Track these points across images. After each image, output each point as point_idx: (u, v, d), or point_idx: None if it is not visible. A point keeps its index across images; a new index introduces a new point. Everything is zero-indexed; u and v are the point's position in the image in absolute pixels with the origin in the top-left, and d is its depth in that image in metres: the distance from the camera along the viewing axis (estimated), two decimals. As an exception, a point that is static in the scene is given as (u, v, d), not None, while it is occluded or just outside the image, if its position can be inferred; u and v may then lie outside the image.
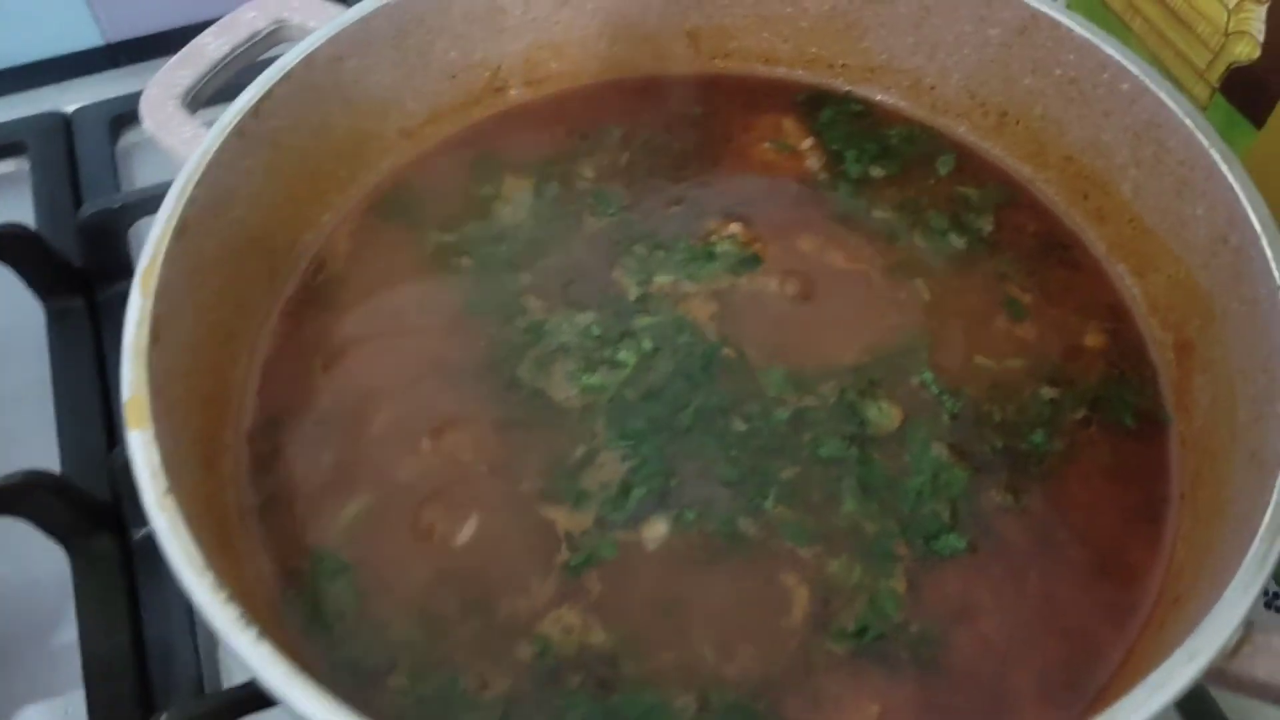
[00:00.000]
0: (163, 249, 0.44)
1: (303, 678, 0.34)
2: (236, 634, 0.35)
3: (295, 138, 0.53)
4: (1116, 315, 0.55)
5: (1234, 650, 0.36)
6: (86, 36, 0.87)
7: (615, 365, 0.52)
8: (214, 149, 0.48)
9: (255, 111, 0.50)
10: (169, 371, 0.43)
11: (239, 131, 0.49)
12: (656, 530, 0.47)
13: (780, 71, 0.64)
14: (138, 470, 0.38)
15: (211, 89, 0.54)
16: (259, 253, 0.53)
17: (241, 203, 0.50)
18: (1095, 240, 0.57)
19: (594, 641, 0.45)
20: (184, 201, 0.46)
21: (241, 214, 0.51)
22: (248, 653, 0.35)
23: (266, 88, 0.51)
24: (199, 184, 0.47)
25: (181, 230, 0.45)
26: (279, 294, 0.54)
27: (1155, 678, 0.34)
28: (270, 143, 0.52)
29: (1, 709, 0.58)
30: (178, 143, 0.50)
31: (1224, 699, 0.54)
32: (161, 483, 0.38)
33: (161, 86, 0.52)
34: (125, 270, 0.73)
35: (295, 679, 0.34)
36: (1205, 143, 0.49)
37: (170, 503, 0.37)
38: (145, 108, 0.51)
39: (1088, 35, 0.53)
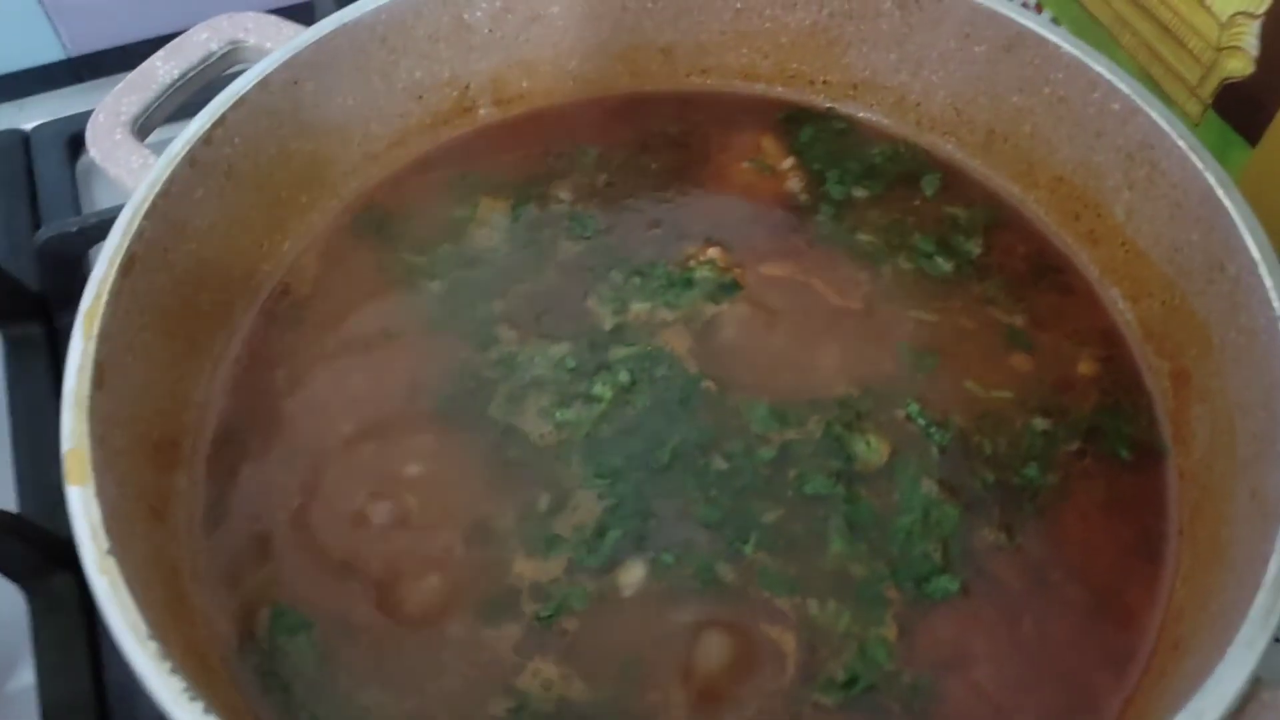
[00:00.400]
0: (107, 288, 0.42)
1: (251, 758, 0.32)
2: (181, 707, 0.33)
3: (251, 165, 0.51)
4: (1110, 341, 0.53)
5: (1240, 709, 0.34)
6: (47, 51, 0.85)
7: (591, 400, 0.50)
8: (163, 180, 0.46)
9: (207, 139, 0.48)
10: (114, 418, 0.41)
11: (190, 160, 0.47)
12: (633, 575, 0.45)
13: (760, 88, 0.62)
14: (77, 530, 0.36)
15: (163, 114, 0.52)
16: (214, 286, 0.50)
17: (194, 235, 0.48)
18: (1088, 263, 0.55)
19: (573, 695, 0.43)
20: (130, 236, 0.44)
21: (194, 246, 0.48)
22: (193, 731, 0.32)
23: (219, 114, 0.48)
24: (147, 216, 0.45)
25: (128, 266, 0.43)
26: (235, 329, 0.52)
27: (1161, 746, 0.33)
28: (224, 171, 0.49)
29: (-46, 758, 0.56)
30: (125, 172, 0.48)
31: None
32: (103, 543, 0.36)
33: (109, 113, 0.49)
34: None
35: (243, 759, 0.32)
36: (1200, 165, 0.47)
37: (111, 564, 0.35)
38: (91, 135, 0.49)
39: (1077, 53, 0.51)
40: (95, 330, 0.41)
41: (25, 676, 0.57)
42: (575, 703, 0.42)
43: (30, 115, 0.82)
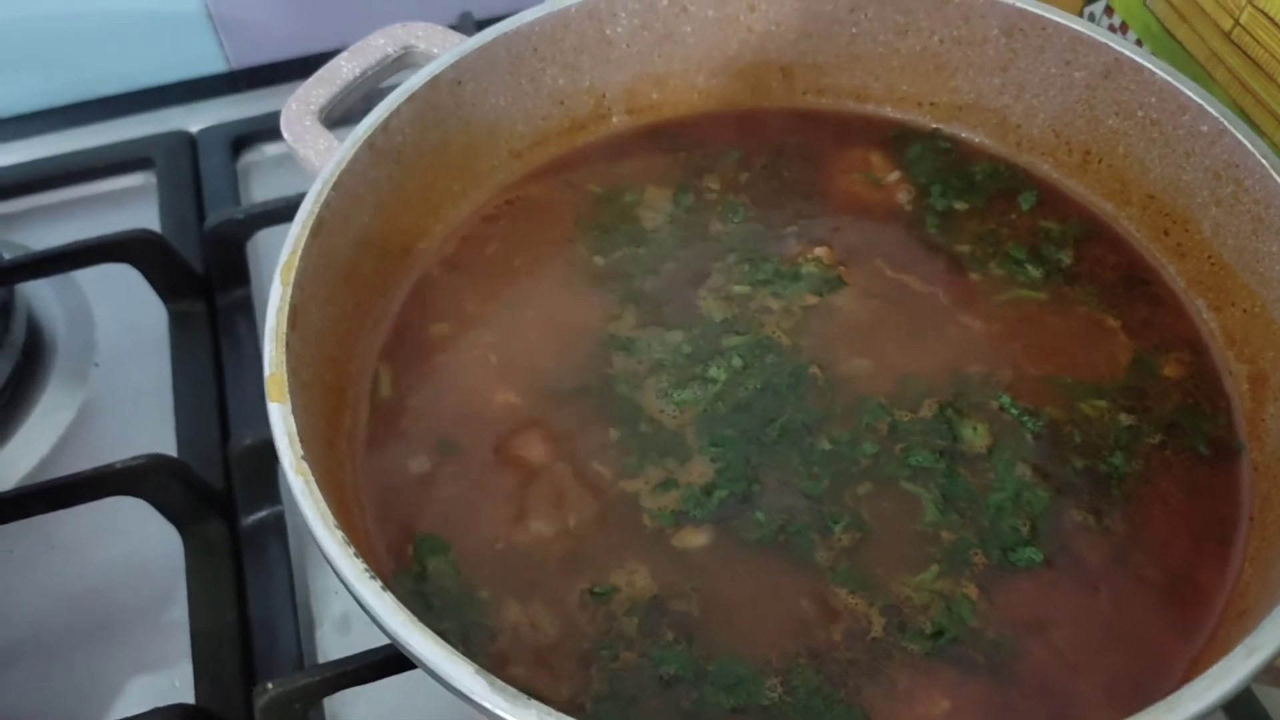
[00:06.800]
0: (301, 244, 0.48)
1: (421, 626, 0.37)
2: (363, 584, 0.38)
3: (417, 153, 0.58)
4: (1194, 348, 0.56)
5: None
6: (212, 63, 0.94)
7: (707, 381, 0.55)
8: (348, 158, 0.52)
9: (384, 127, 0.55)
10: (301, 356, 0.47)
11: (369, 144, 0.54)
12: (703, 538, 0.50)
13: (870, 108, 0.67)
14: (277, 438, 0.42)
15: (343, 107, 0.58)
16: (378, 256, 0.57)
17: (367, 209, 0.55)
18: (1175, 275, 0.59)
19: (684, 609, 0.48)
20: (320, 204, 0.50)
21: (366, 220, 0.55)
22: (373, 602, 0.38)
23: (395, 106, 0.55)
24: (334, 188, 0.51)
25: (317, 229, 0.50)
26: (394, 296, 0.58)
27: (1216, 670, 0.36)
28: (395, 156, 0.56)
29: (113, 679, 0.61)
30: (313, 153, 0.55)
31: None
32: (298, 449, 0.42)
33: (300, 102, 0.56)
34: (243, 278, 0.78)
35: (414, 626, 0.37)
36: (1280, 181, 0.51)
37: (305, 468, 0.41)
38: (285, 121, 0.56)
39: (1170, 79, 0.56)
40: (291, 279, 0.47)
41: (177, 611, 0.63)
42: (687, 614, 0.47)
43: (196, 120, 0.90)
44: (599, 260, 0.60)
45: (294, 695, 0.54)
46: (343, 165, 0.52)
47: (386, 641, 0.47)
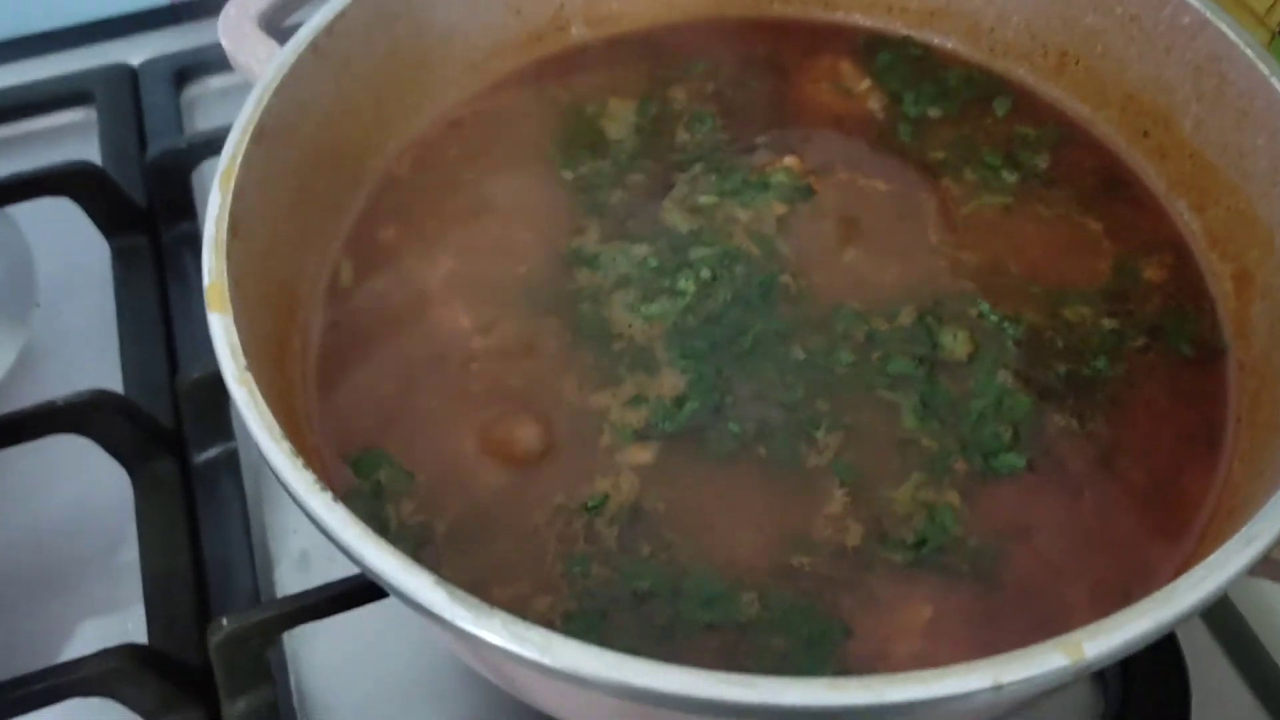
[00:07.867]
0: (241, 150, 0.45)
1: (376, 538, 0.35)
2: (313, 496, 0.36)
3: (366, 60, 0.54)
4: (1176, 250, 0.55)
5: (1294, 542, 0.36)
6: (153, -6, 0.90)
7: (675, 294, 0.53)
8: (290, 62, 0.49)
9: (329, 30, 0.51)
10: (243, 268, 0.44)
11: (313, 48, 0.51)
12: (710, 438, 0.48)
13: (839, 16, 0.65)
14: (219, 350, 0.40)
15: (286, 14, 0.55)
16: (328, 172, 0.54)
17: (314, 119, 0.52)
18: (1155, 177, 0.57)
19: (657, 523, 0.46)
20: (261, 109, 0.47)
21: (313, 131, 0.52)
22: (324, 514, 0.35)
23: (340, 8, 0.52)
24: (275, 93, 0.48)
25: (259, 135, 0.47)
26: (345, 214, 0.55)
27: (1214, 559, 0.35)
28: (342, 63, 0.53)
29: (63, 623, 0.59)
30: (253, 61, 0.52)
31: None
32: (241, 360, 0.39)
33: (239, 7, 0.53)
34: (189, 211, 0.74)
35: (369, 538, 0.35)
36: (1266, 71, 0.49)
37: (249, 378, 0.39)
38: (223, 27, 0.53)
39: (1149, -30, 0.54)
40: (230, 186, 0.44)
41: (128, 552, 0.60)
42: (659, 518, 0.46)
43: (137, 52, 0.86)
44: (560, 173, 0.58)
45: (249, 631, 0.51)
46: (285, 69, 0.49)
47: (345, 574, 0.46)
